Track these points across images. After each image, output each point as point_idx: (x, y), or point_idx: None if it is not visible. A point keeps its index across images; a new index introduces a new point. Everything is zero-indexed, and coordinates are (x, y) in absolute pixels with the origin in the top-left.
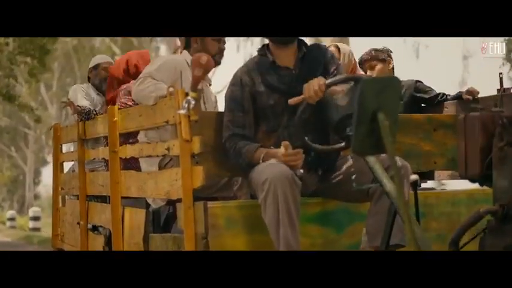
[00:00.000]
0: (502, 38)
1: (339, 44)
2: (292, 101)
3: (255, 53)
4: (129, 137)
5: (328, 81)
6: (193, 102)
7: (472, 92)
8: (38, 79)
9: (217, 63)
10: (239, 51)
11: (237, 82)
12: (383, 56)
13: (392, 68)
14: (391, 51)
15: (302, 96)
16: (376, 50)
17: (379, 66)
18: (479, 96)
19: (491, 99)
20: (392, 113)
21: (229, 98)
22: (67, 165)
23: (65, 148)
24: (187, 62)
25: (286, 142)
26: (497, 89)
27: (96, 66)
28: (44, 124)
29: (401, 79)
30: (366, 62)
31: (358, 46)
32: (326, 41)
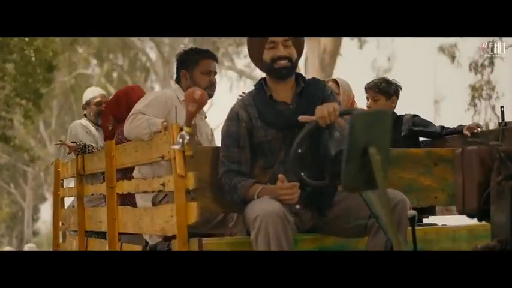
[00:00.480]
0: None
1: (338, 79)
2: (302, 118)
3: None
4: (127, 173)
5: (341, 109)
6: (187, 137)
7: (471, 128)
8: (33, 121)
9: (209, 96)
10: (232, 91)
11: (234, 117)
12: (390, 92)
13: (394, 107)
14: (400, 88)
15: (314, 117)
16: (386, 82)
17: (381, 100)
18: (480, 130)
19: (492, 133)
20: (383, 147)
21: (225, 134)
22: (68, 201)
23: (65, 183)
24: (177, 97)
25: (282, 175)
26: (499, 123)
27: (88, 102)
28: (42, 161)
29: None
30: (371, 91)
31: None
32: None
